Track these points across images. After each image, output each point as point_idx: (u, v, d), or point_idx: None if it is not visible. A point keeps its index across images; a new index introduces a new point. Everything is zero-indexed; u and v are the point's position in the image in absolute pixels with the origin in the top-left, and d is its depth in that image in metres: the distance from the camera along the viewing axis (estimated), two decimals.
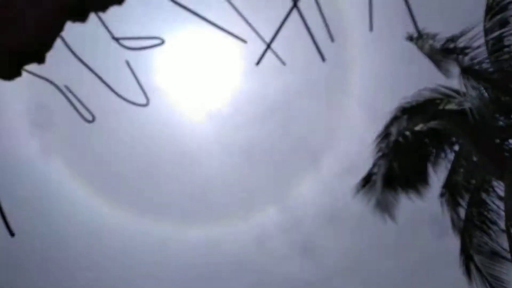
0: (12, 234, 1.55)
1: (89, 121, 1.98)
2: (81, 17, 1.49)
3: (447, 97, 7.97)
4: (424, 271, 14.62)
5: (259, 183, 16.50)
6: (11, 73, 1.51)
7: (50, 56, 1.75)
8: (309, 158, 17.24)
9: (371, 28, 1.98)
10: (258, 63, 2.26)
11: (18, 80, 1.70)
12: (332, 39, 2.08)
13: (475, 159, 7.13)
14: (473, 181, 6.77)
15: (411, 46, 8.14)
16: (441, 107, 7.44)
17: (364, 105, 16.31)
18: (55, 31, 1.46)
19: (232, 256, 15.71)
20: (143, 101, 2.02)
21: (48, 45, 1.47)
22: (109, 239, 14.96)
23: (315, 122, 17.55)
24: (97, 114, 2.11)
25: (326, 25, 2.02)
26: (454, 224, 7.68)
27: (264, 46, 2.23)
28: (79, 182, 13.71)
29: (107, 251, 15.08)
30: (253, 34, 2.27)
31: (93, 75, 1.95)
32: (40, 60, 1.50)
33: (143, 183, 15.46)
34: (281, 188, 16.38)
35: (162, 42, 1.94)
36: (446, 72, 7.19)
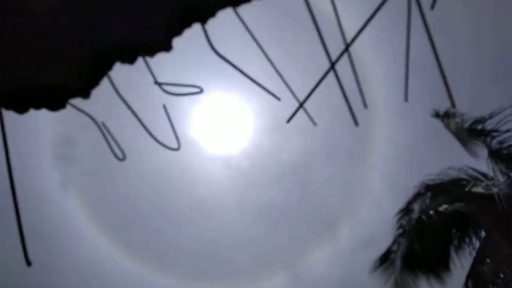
0: (29, 263, 1.52)
1: (120, 159, 2.01)
2: (131, 60, 1.57)
3: (474, 179, 7.76)
4: None
5: (270, 246, 15.99)
6: (57, 105, 1.57)
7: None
8: (325, 226, 16.76)
9: (406, 99, 2.00)
10: (289, 120, 2.30)
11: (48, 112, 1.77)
12: (365, 105, 2.10)
13: (504, 249, 6.72)
14: (502, 275, 6.31)
15: (440, 123, 8.12)
16: (467, 189, 7.22)
17: (387, 177, 16.06)
18: (105, 70, 1.55)
19: None
20: (174, 145, 2.06)
21: (96, 83, 1.55)
22: (112, 283, 14.49)
23: (334, 188, 17.29)
24: (127, 153, 2.15)
25: (361, 91, 2.06)
26: None
27: (296, 104, 2.27)
28: (92, 221, 13.67)
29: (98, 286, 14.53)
30: (288, 92, 2.32)
31: (128, 115, 2.01)
32: (86, 95, 1.57)
33: (155, 230, 15.27)
34: (292, 254, 15.79)
35: (201, 91, 2.02)
36: (472, 153, 7.08)
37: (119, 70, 1.91)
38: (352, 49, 2.13)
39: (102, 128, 1.99)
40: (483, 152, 7.25)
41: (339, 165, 17.42)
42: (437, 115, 7.60)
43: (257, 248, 15.87)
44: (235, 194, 16.47)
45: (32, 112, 1.80)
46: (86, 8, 1.43)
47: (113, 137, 2.02)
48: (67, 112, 1.96)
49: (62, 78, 1.48)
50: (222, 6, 1.62)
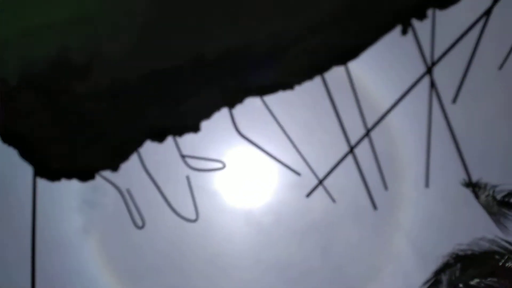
0: None
1: (139, 227, 2.07)
2: (160, 139, 1.68)
3: (508, 253, 7.34)
4: None
5: None
6: (88, 178, 1.68)
7: None
8: None
9: (427, 185, 2.00)
10: (308, 195, 2.32)
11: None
12: (386, 187, 2.11)
13: None
14: None
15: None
16: (500, 263, 6.82)
17: (414, 243, 15.37)
18: (135, 147, 1.65)
19: None
20: (193, 216, 2.11)
21: (126, 158, 1.65)
22: None
23: (358, 252, 16.63)
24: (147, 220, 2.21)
25: (381, 173, 2.08)
26: None
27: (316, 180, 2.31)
28: (108, 270, 13.59)
29: None
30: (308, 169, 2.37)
31: (152, 186, 2.10)
32: (115, 170, 1.67)
33: (169, 284, 14.96)
34: None
35: (224, 166, 2.09)
36: (502, 228, 6.78)
37: (148, 144, 2.03)
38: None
39: (126, 195, 2.08)
40: None
41: (364, 228, 16.89)
42: (467, 185, 7.39)
43: None
44: (254, 251, 16.12)
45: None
46: (131, 94, 1.55)
47: (135, 204, 2.09)
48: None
49: (97, 160, 1.60)
50: (251, 94, 1.73)
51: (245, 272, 15.98)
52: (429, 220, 14.95)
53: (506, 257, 6.96)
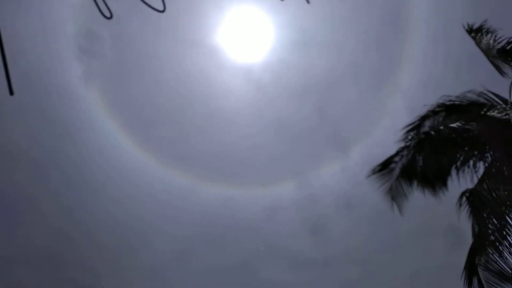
0: (11, 93, 1.68)
1: (107, 18, 2.08)
2: None
3: (493, 104, 7.56)
4: (426, 276, 14.39)
5: (283, 156, 16.53)
6: None
7: None
8: (339, 144, 17.01)
9: None
10: None
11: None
12: None
13: (505, 171, 6.79)
14: (496, 194, 6.47)
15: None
16: (482, 111, 7.08)
17: (410, 100, 15.73)
18: None
19: (243, 215, 16.06)
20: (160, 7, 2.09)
21: None
22: (130, 175, 15.64)
23: (354, 109, 17.16)
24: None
25: None
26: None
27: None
28: (112, 117, 14.32)
29: (119, 184, 15.74)
30: None
31: None
32: None
33: (173, 130, 15.90)
34: (303, 165, 16.35)
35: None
36: (501, 72, 6.81)
37: None
38: None
39: None
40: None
41: (362, 87, 17.06)
42: (470, 30, 7.17)
43: (270, 157, 16.49)
44: (253, 108, 16.66)
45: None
46: None
47: None
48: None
49: None
50: None
51: (244, 127, 16.86)
52: (427, 79, 15.02)
53: (490, 106, 7.20)
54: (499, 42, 6.84)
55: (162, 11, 2.06)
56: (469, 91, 7.89)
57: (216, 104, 16.07)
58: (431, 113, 7.45)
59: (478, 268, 7.42)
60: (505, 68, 7.22)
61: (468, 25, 7.10)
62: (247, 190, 16.14)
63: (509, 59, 7.14)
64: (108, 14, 2.08)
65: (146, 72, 15.51)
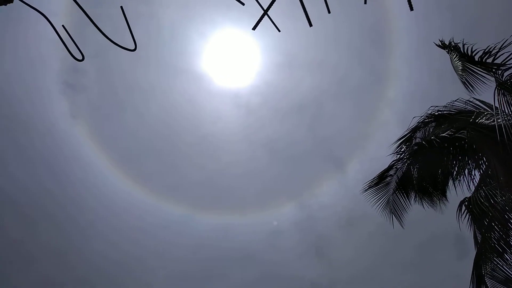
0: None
1: (79, 60, 2.02)
2: None
3: (480, 111, 7.60)
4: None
5: (277, 177, 16.41)
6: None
7: None
8: (334, 160, 16.96)
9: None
10: (254, 28, 2.25)
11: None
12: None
13: (500, 177, 6.73)
14: (494, 200, 6.40)
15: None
16: (471, 119, 7.09)
17: (397, 112, 15.85)
18: None
19: (243, 244, 15.74)
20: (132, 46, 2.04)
21: None
22: (120, 210, 15.34)
23: (344, 123, 17.22)
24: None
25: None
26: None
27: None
28: (101, 152, 14.15)
29: (108, 216, 15.44)
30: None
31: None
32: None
33: (163, 163, 15.76)
34: (299, 185, 16.21)
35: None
36: (468, 88, 6.88)
37: None
38: None
39: (59, 31, 1.98)
40: (481, 86, 7.05)
41: (350, 101, 17.18)
42: (443, 45, 7.27)
43: (265, 181, 16.34)
44: (244, 132, 16.66)
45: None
46: None
47: (72, 39, 2.01)
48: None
49: None
50: None
51: (236, 153, 16.76)
52: (415, 91, 15.20)
53: (478, 113, 7.22)
54: (475, 54, 6.92)
55: (133, 50, 2.01)
56: (456, 100, 7.95)
57: (205, 131, 16.05)
58: (422, 124, 7.46)
59: (485, 278, 7.27)
60: (473, 80, 7.27)
61: (440, 41, 7.22)
62: (243, 217, 15.90)
63: (487, 69, 7.20)
64: (80, 57, 2.02)
65: (133, 104, 15.50)
